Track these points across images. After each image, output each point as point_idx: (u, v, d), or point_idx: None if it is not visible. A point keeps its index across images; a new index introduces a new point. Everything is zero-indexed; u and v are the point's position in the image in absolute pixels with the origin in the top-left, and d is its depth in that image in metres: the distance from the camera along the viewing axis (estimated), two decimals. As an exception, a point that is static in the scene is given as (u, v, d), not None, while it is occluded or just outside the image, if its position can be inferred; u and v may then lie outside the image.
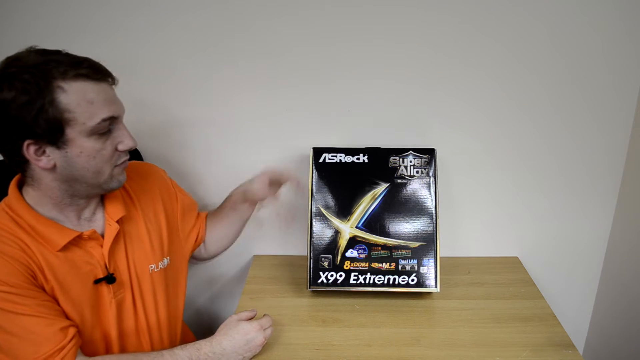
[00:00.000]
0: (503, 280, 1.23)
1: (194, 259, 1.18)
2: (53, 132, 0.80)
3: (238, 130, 1.25)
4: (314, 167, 1.17)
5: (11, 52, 1.15)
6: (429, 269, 1.14)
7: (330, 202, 1.16)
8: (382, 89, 1.20)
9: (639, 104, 1.20)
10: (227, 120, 1.24)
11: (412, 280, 1.14)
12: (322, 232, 1.15)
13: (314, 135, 1.24)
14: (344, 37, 1.16)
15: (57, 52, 0.83)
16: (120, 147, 0.87)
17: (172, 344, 1.04)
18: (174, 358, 0.90)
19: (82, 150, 0.83)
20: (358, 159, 1.18)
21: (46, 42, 1.14)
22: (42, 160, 0.82)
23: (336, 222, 1.16)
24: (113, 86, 0.87)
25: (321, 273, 1.15)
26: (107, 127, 0.85)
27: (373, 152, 1.18)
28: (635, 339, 1.22)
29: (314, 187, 1.17)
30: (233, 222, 1.18)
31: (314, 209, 1.16)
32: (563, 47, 1.15)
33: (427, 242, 1.15)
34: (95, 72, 0.83)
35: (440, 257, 1.15)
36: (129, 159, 0.92)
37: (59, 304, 0.87)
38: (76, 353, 0.84)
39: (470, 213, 1.32)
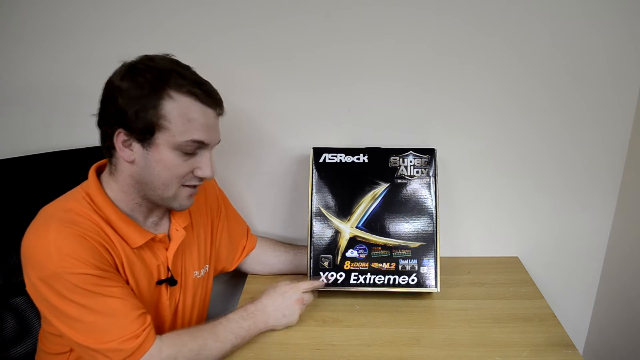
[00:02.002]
0: (503, 280, 1.23)
1: None
2: (144, 131, 0.84)
3: (238, 131, 1.25)
4: (314, 167, 1.17)
5: (11, 47, 1.17)
6: (429, 269, 1.14)
7: (330, 202, 1.16)
8: (383, 89, 1.20)
9: (639, 104, 1.20)
10: (227, 121, 1.24)
11: (412, 280, 1.14)
12: (322, 232, 1.15)
13: (314, 135, 1.24)
14: (344, 38, 1.16)
15: (187, 67, 0.88)
16: (198, 173, 0.90)
17: None
18: (228, 321, 0.96)
19: (162, 158, 0.86)
20: (358, 159, 1.18)
21: (45, 39, 1.16)
22: (126, 152, 0.87)
23: (336, 222, 1.16)
24: (219, 117, 0.91)
25: (321, 273, 1.15)
26: (194, 149, 0.87)
27: (373, 152, 1.18)
28: (635, 339, 1.22)
29: (314, 187, 1.17)
30: (283, 261, 1.24)
31: (314, 209, 1.16)
32: (563, 47, 1.15)
33: (427, 242, 1.15)
34: (207, 96, 0.87)
35: (440, 257, 1.15)
36: None
37: None
38: (154, 334, 0.88)
39: (471, 213, 1.32)
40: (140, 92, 0.82)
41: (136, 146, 0.86)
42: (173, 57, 0.89)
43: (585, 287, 1.39)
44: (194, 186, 0.93)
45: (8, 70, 1.19)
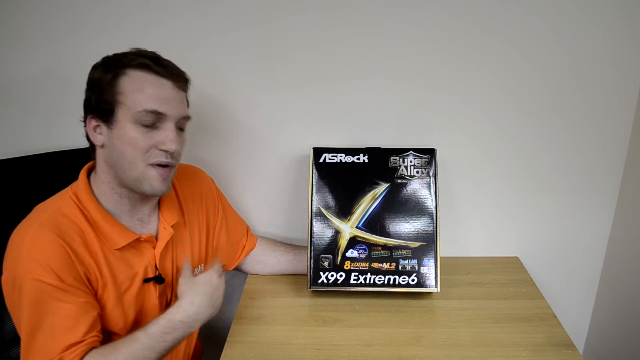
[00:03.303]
0: (503, 280, 1.23)
1: None
2: (107, 111, 0.86)
3: (237, 131, 1.25)
4: (314, 167, 1.17)
5: (10, 48, 1.17)
6: (429, 269, 1.14)
7: (331, 202, 1.16)
8: (383, 89, 1.20)
9: (639, 104, 1.20)
10: (226, 121, 1.24)
11: (413, 280, 1.14)
12: (323, 232, 1.15)
13: (314, 135, 1.24)
14: (344, 37, 1.16)
15: (152, 53, 0.90)
16: (161, 147, 0.88)
17: (188, 346, 1.07)
18: (149, 337, 0.86)
19: (123, 134, 0.86)
20: (358, 159, 1.18)
21: (44, 39, 1.16)
22: (97, 137, 0.89)
23: (336, 222, 1.16)
24: (181, 90, 0.90)
25: (321, 273, 1.15)
26: (152, 121, 0.87)
27: (373, 152, 1.18)
28: (635, 339, 1.22)
29: (314, 187, 1.17)
30: (282, 261, 1.24)
31: (314, 209, 1.16)
32: (563, 47, 1.15)
33: (428, 242, 1.15)
34: (160, 67, 0.87)
35: (440, 257, 1.15)
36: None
37: (103, 303, 0.90)
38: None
39: (471, 213, 1.32)
40: (100, 77, 0.86)
41: (104, 129, 0.88)
42: (143, 49, 0.91)
43: (585, 287, 1.39)
44: (164, 166, 0.89)
45: (8, 71, 1.19)
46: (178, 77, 0.89)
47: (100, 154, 0.91)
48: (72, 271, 0.84)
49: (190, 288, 0.92)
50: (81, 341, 0.83)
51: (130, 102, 0.85)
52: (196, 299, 0.90)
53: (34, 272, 0.81)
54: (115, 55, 0.88)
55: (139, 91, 0.85)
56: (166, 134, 0.88)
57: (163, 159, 0.89)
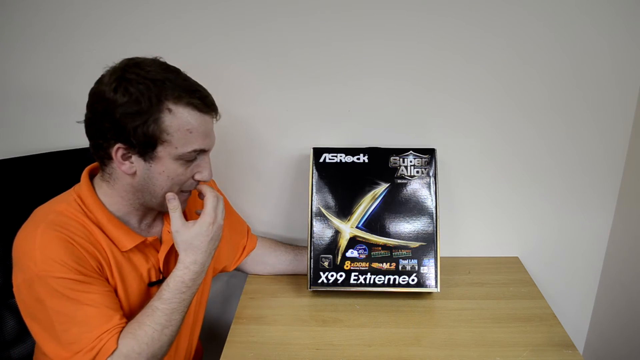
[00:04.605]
0: (503, 280, 1.23)
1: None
2: (146, 145, 0.84)
3: (238, 131, 1.25)
4: (314, 167, 1.17)
5: (11, 48, 1.17)
6: (429, 269, 1.14)
7: (331, 202, 1.16)
8: (382, 89, 1.20)
9: (639, 104, 1.20)
10: (226, 121, 1.24)
11: (413, 280, 1.14)
12: (323, 232, 1.15)
13: (314, 135, 1.24)
14: (344, 37, 1.16)
15: (177, 72, 0.86)
16: (197, 177, 0.91)
17: (189, 346, 1.07)
18: (162, 301, 0.88)
19: (165, 169, 0.86)
20: (358, 159, 1.18)
21: (45, 39, 1.16)
22: (126, 164, 0.86)
23: (336, 222, 1.16)
24: (214, 120, 0.90)
25: (321, 273, 1.15)
26: (195, 157, 0.88)
27: (373, 152, 1.18)
28: (635, 339, 1.22)
29: (314, 187, 1.17)
30: (283, 261, 1.24)
31: (314, 209, 1.16)
32: (563, 48, 1.15)
33: (428, 242, 1.15)
34: (204, 104, 0.86)
35: (440, 257, 1.15)
36: None
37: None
38: (114, 343, 0.83)
39: (471, 213, 1.32)
40: (139, 108, 0.81)
41: (136, 159, 0.85)
42: (160, 60, 0.87)
43: (585, 287, 1.39)
44: (190, 191, 0.94)
45: (5, 72, 1.19)
46: (216, 109, 0.89)
47: (123, 177, 0.88)
48: (87, 265, 0.85)
49: (188, 245, 0.91)
50: (116, 325, 0.84)
51: (177, 143, 0.84)
52: (199, 257, 0.91)
53: (53, 271, 0.81)
54: (149, 80, 0.82)
55: (189, 132, 0.85)
56: (203, 165, 0.91)
57: (194, 187, 0.93)
